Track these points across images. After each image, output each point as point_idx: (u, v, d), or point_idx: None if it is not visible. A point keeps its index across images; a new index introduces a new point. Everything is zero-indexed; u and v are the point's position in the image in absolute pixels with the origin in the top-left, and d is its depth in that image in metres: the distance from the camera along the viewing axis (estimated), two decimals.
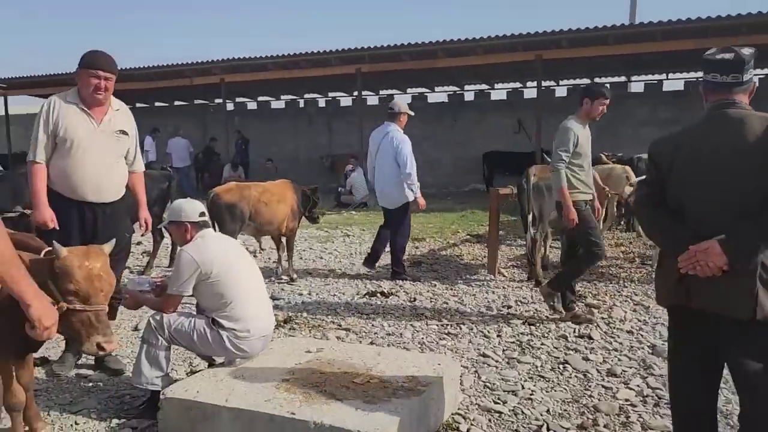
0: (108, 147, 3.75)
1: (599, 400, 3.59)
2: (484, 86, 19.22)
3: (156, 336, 3.25)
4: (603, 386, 3.78)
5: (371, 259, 6.98)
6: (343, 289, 6.33)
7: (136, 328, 4.93)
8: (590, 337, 4.71)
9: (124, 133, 3.83)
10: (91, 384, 3.81)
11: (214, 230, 6.24)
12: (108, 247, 2.71)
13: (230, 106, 20.41)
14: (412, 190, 6.54)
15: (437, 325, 5.06)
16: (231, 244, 3.53)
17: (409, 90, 20.13)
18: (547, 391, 3.72)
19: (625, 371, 4.02)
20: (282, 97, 21.73)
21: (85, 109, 3.69)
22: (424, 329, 4.96)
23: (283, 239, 6.79)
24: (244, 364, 3.34)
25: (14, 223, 6.42)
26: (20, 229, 6.43)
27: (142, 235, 4.31)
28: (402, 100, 7.11)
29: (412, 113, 6.91)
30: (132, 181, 4.04)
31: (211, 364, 3.60)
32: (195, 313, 3.52)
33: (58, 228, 3.68)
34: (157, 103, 22.65)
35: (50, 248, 2.54)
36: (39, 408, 3.27)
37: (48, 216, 3.66)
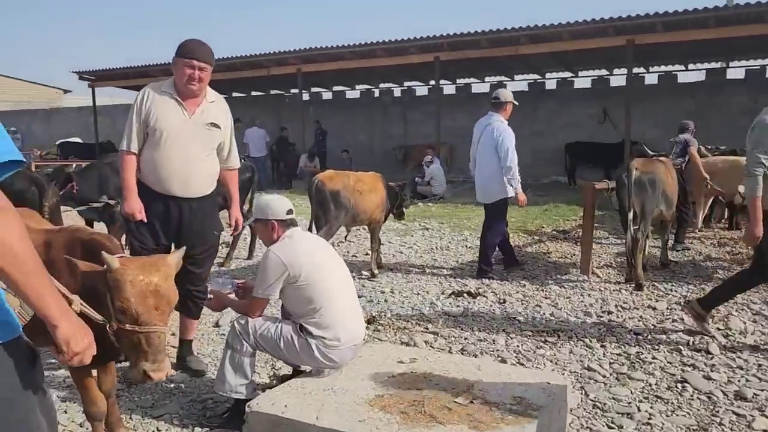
0: (198, 139, 3.54)
1: (731, 429, 3.13)
2: (567, 74, 18.38)
3: (241, 341, 3.04)
4: (733, 412, 3.31)
5: (509, 262, 6.65)
6: (426, 287, 6.02)
7: (217, 324, 4.80)
8: (708, 352, 4.20)
9: (215, 125, 3.59)
10: (173, 385, 3.66)
11: (318, 219, 6.22)
12: (175, 257, 2.37)
13: (306, 96, 20.40)
14: (511, 184, 6.16)
15: (532, 331, 4.67)
16: (320, 244, 3.27)
17: (487, 78, 19.50)
18: (667, 416, 3.28)
19: (756, 395, 3.51)
20: (357, 86, 21.58)
21: (178, 99, 3.50)
22: (518, 336, 4.59)
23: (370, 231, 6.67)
24: (333, 374, 3.09)
25: (99, 213, 6.50)
26: (104, 219, 6.54)
27: (231, 235, 4.11)
28: (506, 90, 6.71)
29: (517, 103, 6.52)
30: (225, 178, 3.83)
31: (297, 370, 3.37)
32: (280, 317, 3.30)
33: (146, 220, 3.54)
34: (234, 94, 22.95)
35: (122, 254, 2.30)
36: (121, 410, 3.14)
37: (137, 207, 3.51)
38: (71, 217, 7.92)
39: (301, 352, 3.02)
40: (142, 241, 3.55)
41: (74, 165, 10.96)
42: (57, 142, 20.91)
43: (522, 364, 4.01)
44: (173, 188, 3.50)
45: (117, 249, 2.39)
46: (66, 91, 37.59)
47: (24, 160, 1.35)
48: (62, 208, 6.21)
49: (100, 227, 7.20)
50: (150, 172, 3.52)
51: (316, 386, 2.95)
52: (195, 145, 3.52)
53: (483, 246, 6.42)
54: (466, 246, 8.10)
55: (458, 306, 5.36)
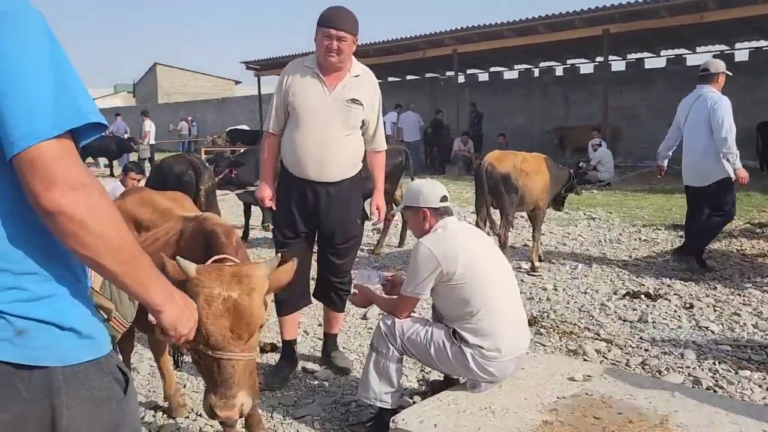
0: (336, 118, 3.18)
1: None
2: (762, 42, 16.07)
3: (387, 344, 2.70)
4: None
5: (699, 263, 5.74)
6: (595, 285, 5.33)
7: (364, 317, 4.54)
8: None
9: (356, 102, 3.20)
10: (316, 383, 3.43)
11: (480, 206, 5.84)
12: (268, 266, 1.91)
13: (461, 78, 19.86)
14: (728, 159, 5.26)
15: (731, 346, 3.87)
16: (479, 237, 2.83)
17: (662, 52, 17.65)
18: None
19: None
20: (515, 66, 20.63)
21: (319, 74, 3.18)
22: (713, 350, 3.82)
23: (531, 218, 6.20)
24: (490, 388, 2.64)
25: (254, 196, 6.59)
26: (257, 203, 6.60)
27: (374, 225, 3.77)
28: (716, 60, 5.83)
29: (731, 73, 5.68)
30: (370, 161, 3.47)
31: (449, 378, 2.98)
32: (431, 318, 2.91)
33: (274, 207, 3.38)
34: (389, 78, 23.00)
35: (224, 256, 2.02)
36: (262, 408, 2.96)
37: (266, 194, 3.37)
38: (230, 199, 8.20)
39: (453, 362, 2.61)
40: (281, 229, 3.35)
41: (242, 150, 11.49)
42: (226, 129, 22.40)
43: (722, 388, 3.29)
44: (308, 171, 3.21)
45: (228, 246, 2.10)
46: (237, 82, 40.45)
47: (105, 123, 1.09)
48: (222, 191, 6.35)
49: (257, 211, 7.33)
50: (288, 154, 3.28)
51: (471, 403, 2.53)
52: (334, 124, 3.18)
53: (696, 230, 5.72)
54: (640, 239, 7.20)
55: (634, 309, 4.65)
